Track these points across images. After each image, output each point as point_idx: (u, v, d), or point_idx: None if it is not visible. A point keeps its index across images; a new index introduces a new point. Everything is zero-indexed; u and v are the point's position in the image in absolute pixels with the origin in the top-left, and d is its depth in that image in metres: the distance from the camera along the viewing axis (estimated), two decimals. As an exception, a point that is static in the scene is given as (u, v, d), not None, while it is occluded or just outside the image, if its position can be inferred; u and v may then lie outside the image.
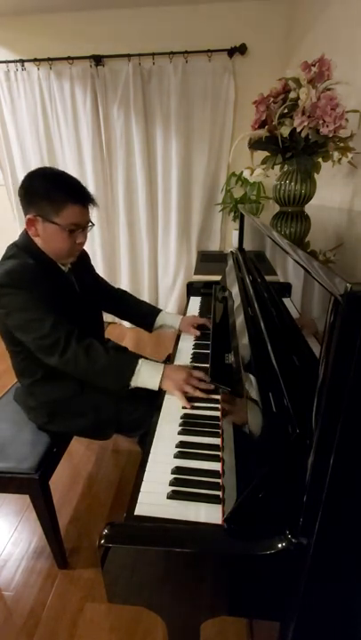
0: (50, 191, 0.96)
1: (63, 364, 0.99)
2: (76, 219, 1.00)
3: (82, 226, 1.04)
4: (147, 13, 2.31)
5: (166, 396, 1.00)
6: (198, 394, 0.95)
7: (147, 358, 1.10)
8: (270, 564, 0.52)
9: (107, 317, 1.39)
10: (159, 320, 1.39)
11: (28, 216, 0.99)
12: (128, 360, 1.02)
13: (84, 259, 1.24)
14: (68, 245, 1.03)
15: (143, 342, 2.91)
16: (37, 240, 1.03)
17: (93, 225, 1.08)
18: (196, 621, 0.68)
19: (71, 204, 0.98)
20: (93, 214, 1.08)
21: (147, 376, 1.00)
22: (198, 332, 1.33)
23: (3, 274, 0.96)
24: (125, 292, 1.46)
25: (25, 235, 1.05)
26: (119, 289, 1.46)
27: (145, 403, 1.14)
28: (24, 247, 1.03)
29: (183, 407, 0.94)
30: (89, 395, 1.16)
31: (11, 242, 1.07)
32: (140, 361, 1.02)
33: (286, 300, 0.75)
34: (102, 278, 1.42)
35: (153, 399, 1.02)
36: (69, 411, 1.16)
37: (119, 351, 1.35)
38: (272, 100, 0.94)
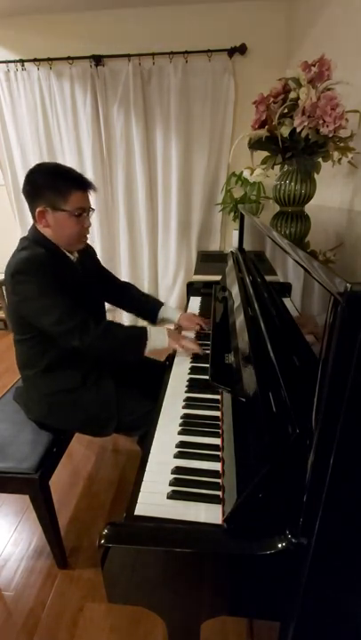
0: (55, 182, 1.03)
1: (86, 346, 1.06)
2: (81, 203, 1.08)
3: (86, 209, 1.11)
4: (147, 13, 2.31)
5: (166, 397, 1.00)
6: (194, 345, 1.20)
7: None
8: (270, 563, 0.52)
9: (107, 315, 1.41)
10: (161, 313, 1.43)
11: (37, 209, 1.05)
12: (139, 330, 1.16)
13: (89, 252, 1.30)
14: (77, 229, 1.10)
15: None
16: (47, 231, 1.09)
17: (94, 210, 1.15)
18: (196, 621, 0.68)
19: (75, 190, 1.05)
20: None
21: (156, 338, 1.15)
22: (197, 327, 1.37)
23: (18, 262, 1.02)
24: (131, 285, 1.50)
25: (34, 228, 1.11)
26: (125, 282, 1.49)
27: (145, 402, 1.15)
28: (35, 239, 1.09)
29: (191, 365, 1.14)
30: (90, 388, 1.18)
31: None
32: (148, 327, 1.17)
33: (286, 300, 0.75)
34: (109, 271, 1.45)
35: (153, 399, 1.02)
36: (70, 403, 1.17)
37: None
38: (272, 100, 0.94)
